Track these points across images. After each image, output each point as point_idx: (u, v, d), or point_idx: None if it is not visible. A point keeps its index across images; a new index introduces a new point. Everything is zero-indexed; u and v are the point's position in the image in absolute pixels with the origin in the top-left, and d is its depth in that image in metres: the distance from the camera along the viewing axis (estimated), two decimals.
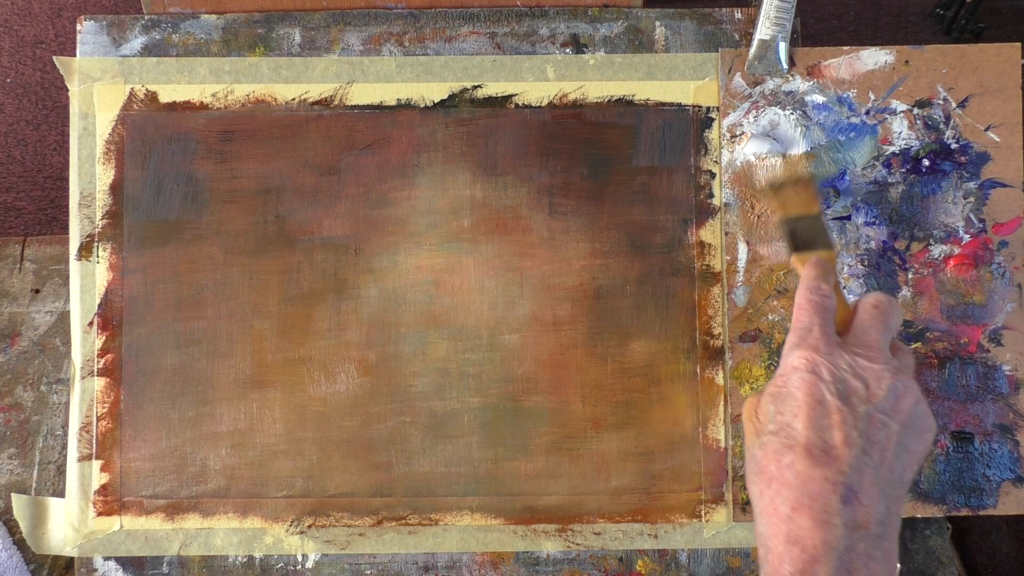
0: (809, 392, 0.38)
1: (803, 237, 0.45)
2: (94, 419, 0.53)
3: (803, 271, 0.43)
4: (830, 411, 0.37)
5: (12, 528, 0.55)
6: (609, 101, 0.55)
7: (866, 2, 0.84)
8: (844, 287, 0.54)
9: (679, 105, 0.55)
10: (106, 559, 0.53)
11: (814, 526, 0.35)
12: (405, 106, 0.55)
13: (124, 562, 0.53)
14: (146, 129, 0.54)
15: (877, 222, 0.54)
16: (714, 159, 0.55)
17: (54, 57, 0.54)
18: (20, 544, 0.54)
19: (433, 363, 0.54)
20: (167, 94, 0.54)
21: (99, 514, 0.53)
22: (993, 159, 0.54)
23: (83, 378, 0.53)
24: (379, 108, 0.55)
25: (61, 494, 0.54)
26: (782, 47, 0.54)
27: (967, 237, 0.54)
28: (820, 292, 0.41)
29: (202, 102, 0.54)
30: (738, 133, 0.55)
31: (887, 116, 0.55)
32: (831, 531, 0.35)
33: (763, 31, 0.54)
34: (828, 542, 0.35)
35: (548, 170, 0.55)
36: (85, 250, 0.54)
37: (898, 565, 0.51)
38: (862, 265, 0.54)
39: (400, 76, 0.55)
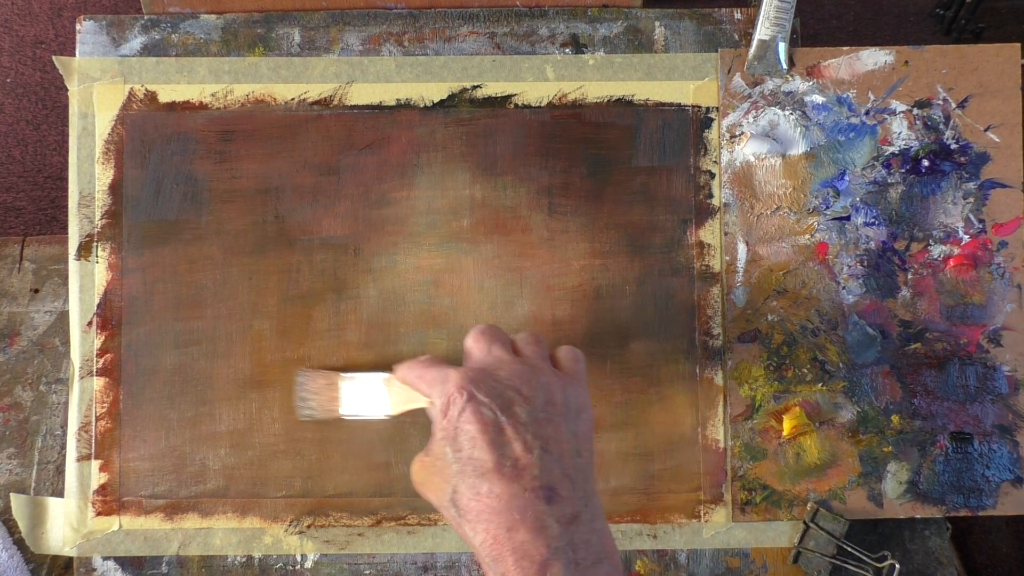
0: (477, 419, 0.39)
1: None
2: (93, 419, 0.53)
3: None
4: (502, 428, 0.39)
5: (11, 528, 0.55)
6: (609, 101, 0.55)
7: (866, 2, 0.84)
8: (843, 287, 0.54)
9: (679, 105, 0.55)
10: (105, 559, 0.53)
11: (534, 536, 0.37)
12: (404, 106, 0.55)
13: (123, 562, 0.53)
14: (145, 129, 0.54)
15: (877, 222, 0.54)
16: (713, 159, 0.55)
17: (53, 57, 0.54)
18: (19, 544, 0.54)
19: None
20: (166, 94, 0.54)
21: (98, 514, 0.53)
22: (993, 159, 0.54)
23: (82, 378, 0.53)
24: (378, 108, 0.55)
25: (60, 494, 0.54)
26: (782, 47, 0.54)
27: (967, 237, 0.54)
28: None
29: (201, 102, 0.54)
30: (738, 133, 0.54)
31: (887, 116, 0.54)
32: (549, 533, 0.37)
33: (763, 31, 0.54)
34: (550, 544, 0.37)
35: (547, 170, 0.54)
36: (84, 250, 0.54)
37: (896, 563, 0.51)
38: (861, 265, 0.54)
39: (399, 76, 0.55)
